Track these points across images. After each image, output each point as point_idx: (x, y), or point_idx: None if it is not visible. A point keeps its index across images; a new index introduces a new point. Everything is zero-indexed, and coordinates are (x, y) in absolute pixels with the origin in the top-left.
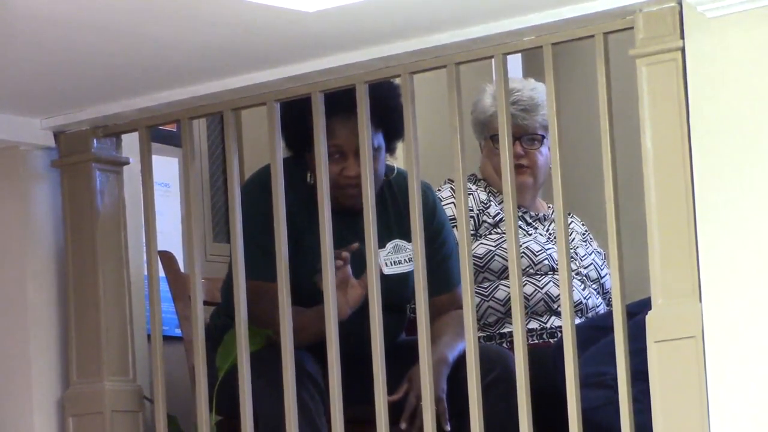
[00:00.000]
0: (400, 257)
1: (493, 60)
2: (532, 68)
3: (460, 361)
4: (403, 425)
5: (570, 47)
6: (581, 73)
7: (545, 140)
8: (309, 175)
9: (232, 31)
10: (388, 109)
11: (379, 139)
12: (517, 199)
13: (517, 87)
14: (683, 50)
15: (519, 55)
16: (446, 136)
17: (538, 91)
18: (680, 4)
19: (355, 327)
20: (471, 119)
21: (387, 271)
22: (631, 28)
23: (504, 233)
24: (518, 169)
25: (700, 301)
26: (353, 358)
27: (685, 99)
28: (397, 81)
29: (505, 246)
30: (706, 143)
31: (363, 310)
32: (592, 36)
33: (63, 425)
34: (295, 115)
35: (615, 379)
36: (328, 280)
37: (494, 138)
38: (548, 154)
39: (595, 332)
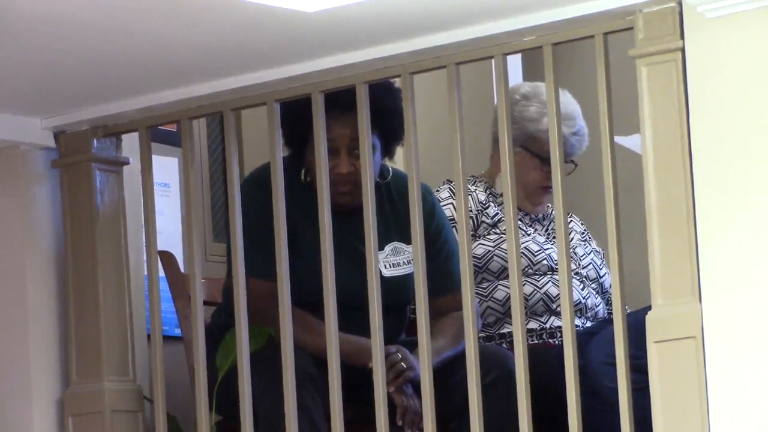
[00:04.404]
0: (399, 259)
1: (493, 60)
2: (532, 69)
3: (459, 361)
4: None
5: (570, 47)
6: (581, 73)
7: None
8: (303, 172)
9: (232, 31)
10: (384, 110)
11: (374, 139)
12: (530, 209)
13: (573, 114)
14: (683, 50)
15: (519, 55)
16: (445, 136)
17: (581, 120)
18: (680, 5)
19: (355, 327)
20: (513, 124)
21: (386, 273)
22: (631, 28)
23: (502, 233)
24: (546, 189)
25: (700, 301)
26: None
27: (685, 99)
28: (397, 81)
29: (503, 246)
30: (706, 143)
31: (363, 311)
32: (592, 36)
33: (63, 425)
34: (293, 112)
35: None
36: (329, 282)
37: (543, 159)
38: None
39: (589, 338)
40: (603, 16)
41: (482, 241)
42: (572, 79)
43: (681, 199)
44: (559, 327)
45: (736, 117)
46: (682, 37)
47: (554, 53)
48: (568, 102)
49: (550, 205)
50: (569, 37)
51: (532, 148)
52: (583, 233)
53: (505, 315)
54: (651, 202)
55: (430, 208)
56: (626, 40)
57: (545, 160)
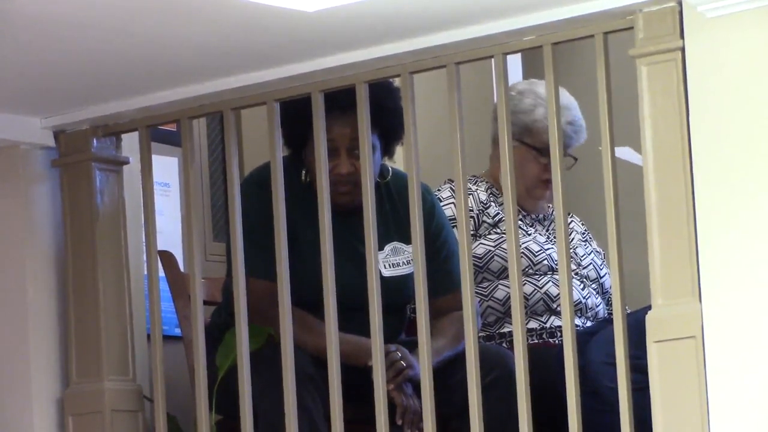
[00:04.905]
0: (399, 259)
1: (493, 60)
2: (532, 68)
3: (459, 361)
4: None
5: (570, 47)
6: (581, 72)
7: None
8: (304, 173)
9: (232, 31)
10: (384, 110)
11: (374, 139)
12: (531, 208)
13: (568, 105)
14: (683, 50)
15: (519, 54)
16: (446, 136)
17: (578, 111)
18: (680, 4)
19: (355, 327)
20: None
21: (386, 273)
22: (631, 28)
23: (503, 233)
24: (547, 183)
25: (700, 301)
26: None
27: (685, 99)
28: (397, 81)
29: (504, 246)
30: (706, 143)
31: (363, 311)
32: (592, 36)
33: (63, 424)
34: (292, 113)
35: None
36: (329, 282)
37: (540, 150)
38: None
39: (589, 338)
40: (603, 15)
41: (483, 241)
42: (572, 79)
43: (681, 199)
44: (560, 327)
45: (736, 117)
46: (682, 36)
47: (554, 53)
48: (561, 94)
49: (550, 206)
50: (569, 36)
51: (527, 141)
52: (583, 233)
53: (506, 314)
54: (651, 202)
55: (430, 208)
56: (626, 39)
57: (542, 152)
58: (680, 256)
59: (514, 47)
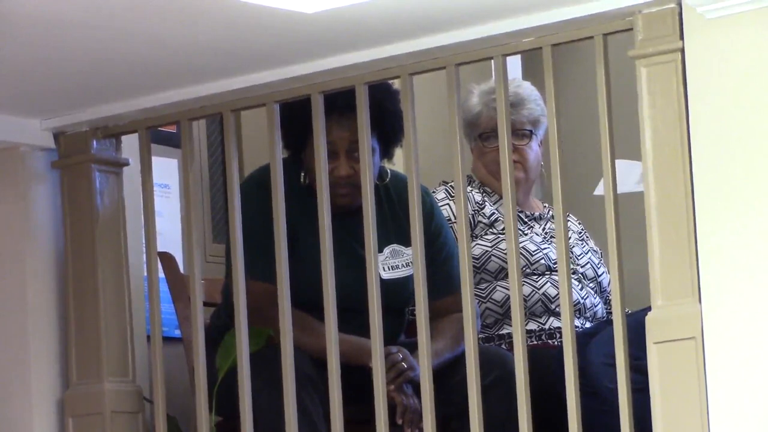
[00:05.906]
0: (398, 262)
1: (492, 61)
2: (532, 69)
3: (459, 362)
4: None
5: (569, 48)
6: (580, 73)
7: (534, 136)
8: (303, 175)
9: (232, 31)
10: (383, 112)
11: (373, 142)
12: (522, 200)
13: (492, 89)
14: (683, 51)
15: (519, 55)
16: (442, 137)
17: (523, 87)
18: (680, 6)
19: (354, 329)
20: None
21: (385, 276)
22: (631, 29)
23: (499, 234)
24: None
25: (700, 302)
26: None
27: (684, 100)
28: (397, 82)
29: (500, 246)
30: (705, 144)
31: (362, 313)
32: (592, 37)
33: (63, 426)
34: (291, 114)
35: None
36: (329, 285)
37: (482, 136)
38: (538, 149)
39: (589, 339)
40: (602, 17)
41: (479, 242)
42: (575, 78)
43: (681, 199)
44: (558, 328)
45: (736, 117)
46: (681, 37)
47: (555, 54)
48: (487, 82)
49: (547, 205)
50: (569, 38)
51: (477, 133)
52: (580, 233)
53: (504, 316)
54: (651, 202)
55: (429, 210)
56: (627, 40)
57: (482, 136)
58: (680, 257)
59: (514, 48)
